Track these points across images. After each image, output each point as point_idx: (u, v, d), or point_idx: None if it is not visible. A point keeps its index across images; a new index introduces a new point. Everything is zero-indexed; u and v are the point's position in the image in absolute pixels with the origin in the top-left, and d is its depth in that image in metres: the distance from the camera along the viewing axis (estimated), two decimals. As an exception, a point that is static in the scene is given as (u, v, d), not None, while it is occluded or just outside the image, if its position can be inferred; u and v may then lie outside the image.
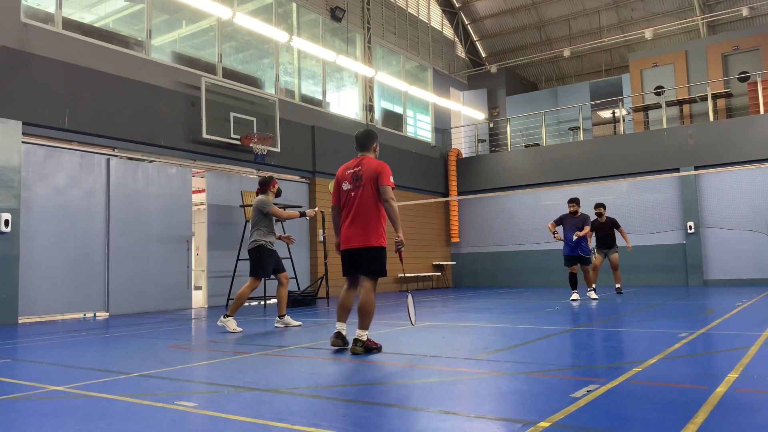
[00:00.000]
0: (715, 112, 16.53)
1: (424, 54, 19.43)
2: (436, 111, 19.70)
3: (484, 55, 22.88)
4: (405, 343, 5.67)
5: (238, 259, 11.56)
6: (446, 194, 18.99)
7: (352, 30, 16.46)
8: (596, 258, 11.67)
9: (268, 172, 13.43)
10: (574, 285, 10.75)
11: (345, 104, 16.64)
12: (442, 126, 20.02)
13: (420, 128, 19.43)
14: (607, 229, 11.80)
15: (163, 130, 11.18)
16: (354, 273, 5.15)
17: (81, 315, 9.86)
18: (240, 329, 6.99)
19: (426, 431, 2.72)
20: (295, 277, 12.00)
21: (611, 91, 19.36)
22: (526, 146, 19.05)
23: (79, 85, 9.94)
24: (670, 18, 19.34)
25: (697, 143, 15.49)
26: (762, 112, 15.16)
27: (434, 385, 3.70)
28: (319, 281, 12.61)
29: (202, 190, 12.54)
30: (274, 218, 7.39)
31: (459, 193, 18.89)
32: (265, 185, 7.48)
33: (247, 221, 11.83)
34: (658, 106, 17.26)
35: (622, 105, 18.34)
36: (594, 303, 10.03)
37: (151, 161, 11.20)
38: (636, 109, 17.87)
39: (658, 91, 17.76)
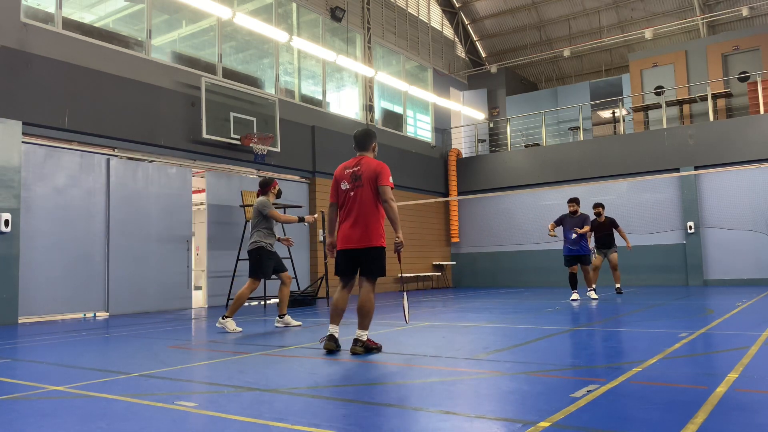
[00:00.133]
0: (715, 112, 16.53)
1: (424, 54, 19.43)
2: (436, 111, 19.70)
3: (484, 55, 22.88)
4: (405, 343, 5.67)
5: (238, 259, 11.56)
6: (446, 194, 18.99)
7: (352, 30, 16.46)
8: (595, 258, 11.67)
9: (268, 172, 13.44)
10: (574, 285, 10.75)
11: (345, 104, 16.64)
12: (442, 126, 20.02)
13: (420, 128, 19.43)
14: (606, 229, 11.80)
15: (163, 130, 11.18)
16: (351, 273, 5.13)
17: (81, 315, 9.86)
18: (240, 329, 6.99)
19: (426, 431, 2.72)
20: (295, 277, 12.00)
21: (611, 91, 19.36)
22: (526, 146, 19.05)
23: (79, 85, 9.94)
24: (670, 18, 19.34)
25: (697, 143, 15.49)
26: (762, 112, 15.16)
27: (434, 385, 3.70)
28: (319, 281, 12.62)
29: (202, 190, 12.54)
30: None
31: (459, 193, 18.89)
32: (265, 187, 7.48)
33: (247, 221, 11.83)
34: (658, 106, 17.26)
35: (622, 105, 18.34)
36: (594, 303, 10.03)
37: (151, 161, 11.20)
38: (636, 109, 17.87)
39: (658, 91, 17.76)
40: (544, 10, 21.10)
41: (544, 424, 2.70)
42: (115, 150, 10.65)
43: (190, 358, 5.28)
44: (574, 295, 10.63)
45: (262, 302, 11.89)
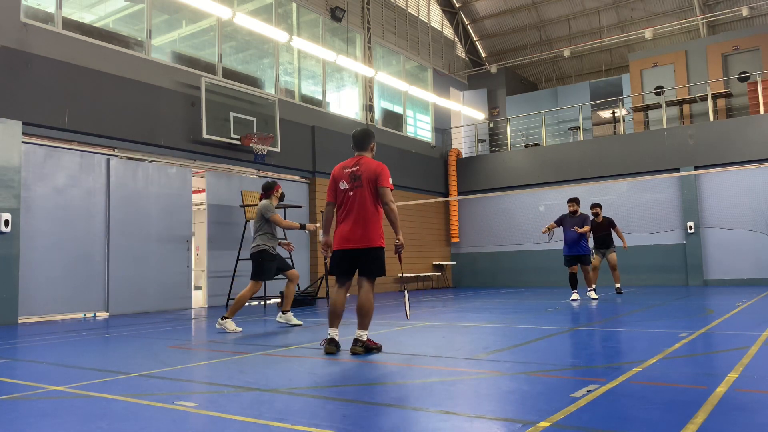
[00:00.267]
0: (715, 112, 16.53)
1: (424, 54, 19.43)
2: (436, 111, 19.70)
3: (484, 55, 22.88)
4: (405, 343, 5.67)
5: (238, 259, 11.56)
6: (446, 194, 18.99)
7: (352, 30, 16.46)
8: (594, 258, 11.67)
9: (268, 172, 13.45)
10: (574, 285, 10.75)
11: (345, 104, 16.64)
12: (442, 126, 20.02)
13: (420, 128, 19.43)
14: (604, 229, 11.81)
15: (163, 130, 11.18)
16: (348, 274, 5.13)
17: (81, 315, 9.86)
18: (239, 329, 6.99)
19: (426, 431, 2.72)
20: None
21: (611, 91, 19.35)
22: (526, 146, 19.05)
23: (79, 85, 9.94)
24: (670, 18, 19.34)
25: (697, 143, 15.49)
26: (762, 112, 15.16)
27: (434, 385, 3.70)
28: (319, 281, 12.62)
29: (202, 190, 12.54)
30: None
31: (459, 193, 18.89)
32: (268, 190, 7.51)
33: (247, 221, 11.84)
34: (658, 106, 17.26)
35: (622, 105, 18.34)
36: (594, 303, 10.03)
37: (151, 161, 11.20)
38: (636, 109, 17.87)
39: (658, 91, 17.76)
40: (544, 10, 21.10)
41: (544, 424, 2.70)
42: (115, 150, 10.65)
43: (190, 358, 5.28)
44: (574, 295, 10.62)
45: (262, 302, 11.89)
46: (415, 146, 18.31)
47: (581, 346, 5.39)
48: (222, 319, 7.01)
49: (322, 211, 12.16)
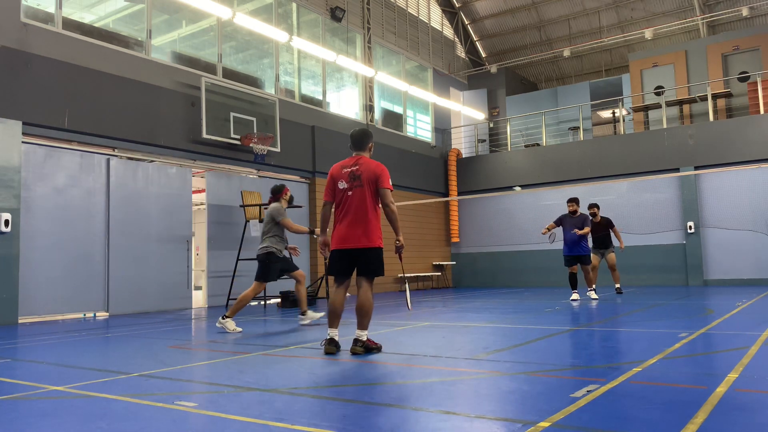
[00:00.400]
0: (715, 112, 16.52)
1: (424, 54, 19.43)
2: (436, 111, 19.70)
3: (484, 55, 22.88)
4: (405, 343, 5.67)
5: (238, 259, 11.56)
6: (446, 194, 18.99)
7: (352, 30, 16.46)
8: (593, 258, 11.67)
9: (268, 172, 13.45)
10: (574, 285, 10.76)
11: (345, 104, 16.64)
12: (442, 126, 20.02)
13: (420, 128, 19.43)
14: (602, 230, 11.83)
15: (163, 130, 11.17)
16: (347, 273, 5.13)
17: (81, 315, 9.86)
18: (240, 329, 7.00)
19: (426, 431, 2.72)
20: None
21: (611, 91, 19.35)
22: (526, 146, 19.05)
23: (79, 85, 9.94)
24: (670, 18, 19.34)
25: (697, 143, 15.49)
26: (762, 112, 15.16)
27: (434, 385, 3.70)
28: (319, 281, 12.62)
29: (202, 190, 12.54)
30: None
31: (459, 193, 18.89)
32: (277, 193, 7.58)
33: (247, 221, 11.84)
34: (658, 106, 17.26)
35: (622, 105, 18.34)
36: (594, 303, 10.03)
37: (151, 161, 11.20)
38: (636, 109, 17.87)
39: (658, 91, 17.76)
40: (544, 10, 21.10)
41: (544, 424, 2.70)
42: (115, 150, 10.65)
43: (190, 358, 5.28)
44: (574, 295, 10.63)
45: (262, 302, 11.89)
46: (415, 146, 18.31)
47: (581, 346, 5.39)
48: (223, 318, 7.02)
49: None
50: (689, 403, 3.05)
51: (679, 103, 17.19)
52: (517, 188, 10.13)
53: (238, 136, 12.11)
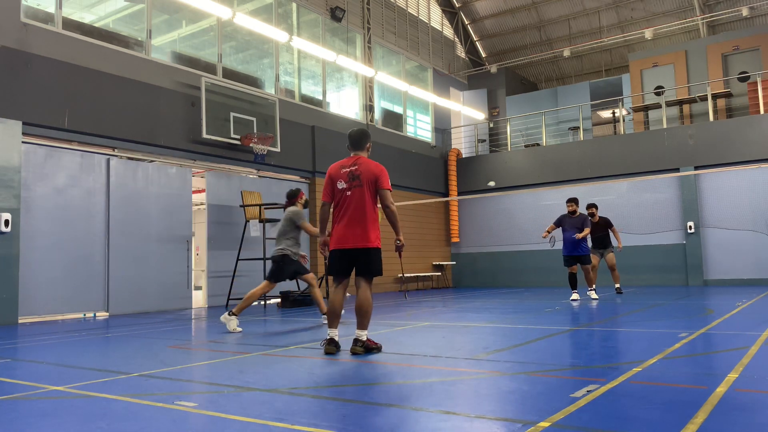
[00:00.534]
0: (715, 112, 16.52)
1: (424, 54, 19.42)
2: (436, 111, 19.70)
3: (484, 55, 22.88)
4: (405, 343, 5.67)
5: (238, 259, 11.56)
6: (446, 194, 18.99)
7: (352, 30, 16.46)
8: (592, 258, 11.67)
9: (268, 172, 13.45)
10: (574, 285, 10.76)
11: (345, 104, 16.64)
12: (442, 126, 20.01)
13: (420, 128, 19.42)
14: (601, 230, 11.85)
15: (163, 130, 11.17)
16: (346, 273, 5.13)
17: (81, 315, 9.86)
18: (240, 329, 7.00)
19: (426, 431, 2.72)
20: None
21: (611, 91, 19.35)
22: (526, 146, 19.04)
23: (79, 85, 9.94)
24: (670, 18, 19.34)
25: (697, 143, 15.49)
26: (762, 112, 15.15)
27: (434, 385, 3.70)
28: (319, 281, 12.62)
29: (202, 190, 12.54)
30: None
31: (459, 193, 18.89)
32: (293, 197, 7.72)
33: (247, 221, 11.84)
34: (658, 106, 17.26)
35: (622, 105, 18.34)
36: (594, 303, 10.03)
37: (151, 161, 11.20)
38: (636, 109, 17.87)
39: (658, 91, 17.76)
40: (544, 10, 21.10)
41: (544, 424, 2.70)
42: (115, 150, 10.64)
43: (190, 358, 5.28)
44: (574, 295, 10.63)
45: (263, 302, 11.89)
46: (415, 146, 18.31)
47: (581, 346, 5.39)
48: (229, 314, 7.03)
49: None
50: (689, 403, 3.05)
51: (679, 103, 17.19)
52: (491, 183, 10.39)
53: (238, 136, 12.11)
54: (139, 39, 11.42)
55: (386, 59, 17.98)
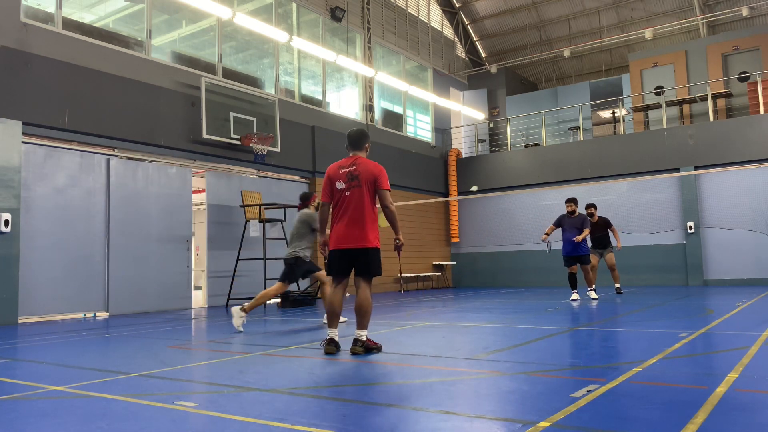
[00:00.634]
0: (715, 112, 16.52)
1: (424, 54, 19.42)
2: (436, 111, 19.70)
3: (484, 55, 22.88)
4: (405, 343, 5.67)
5: (238, 259, 11.56)
6: (446, 194, 18.98)
7: (352, 30, 16.46)
8: (592, 258, 11.67)
9: (268, 172, 13.45)
10: (573, 285, 10.76)
11: (345, 104, 16.64)
12: (442, 126, 20.02)
13: (420, 128, 19.42)
14: (600, 230, 11.85)
15: (163, 130, 11.17)
16: (345, 273, 5.13)
17: (81, 315, 9.86)
18: (241, 330, 7.00)
19: (426, 431, 2.72)
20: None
21: (611, 91, 19.35)
22: (526, 146, 19.04)
23: (79, 85, 9.94)
24: (670, 18, 19.34)
25: (697, 143, 15.49)
26: (762, 112, 15.15)
27: (434, 385, 3.70)
28: (319, 281, 12.60)
29: (202, 190, 12.54)
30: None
31: (459, 193, 18.89)
32: (306, 200, 7.80)
33: (247, 221, 11.84)
34: (658, 106, 17.26)
35: (622, 105, 18.34)
36: (594, 303, 10.03)
37: (151, 161, 11.20)
38: (636, 109, 17.87)
39: (658, 91, 17.76)
40: (544, 10, 21.10)
41: (544, 424, 2.70)
42: (115, 150, 10.65)
43: (190, 358, 5.28)
44: (574, 295, 10.63)
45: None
46: (415, 146, 18.31)
47: (581, 346, 5.39)
48: (240, 310, 7.03)
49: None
50: (689, 403, 3.05)
51: (679, 103, 17.19)
52: (474, 188, 10.54)
53: (238, 136, 12.11)
54: (139, 39, 11.42)
55: (386, 59, 17.98)
